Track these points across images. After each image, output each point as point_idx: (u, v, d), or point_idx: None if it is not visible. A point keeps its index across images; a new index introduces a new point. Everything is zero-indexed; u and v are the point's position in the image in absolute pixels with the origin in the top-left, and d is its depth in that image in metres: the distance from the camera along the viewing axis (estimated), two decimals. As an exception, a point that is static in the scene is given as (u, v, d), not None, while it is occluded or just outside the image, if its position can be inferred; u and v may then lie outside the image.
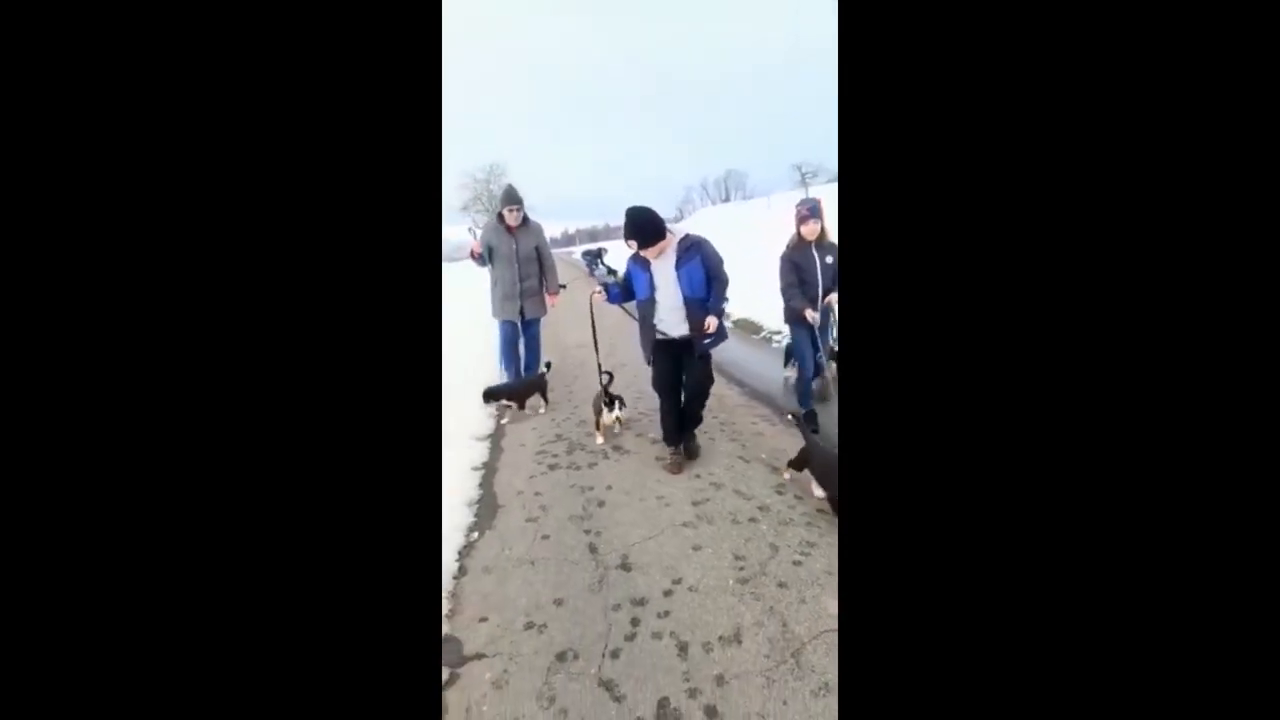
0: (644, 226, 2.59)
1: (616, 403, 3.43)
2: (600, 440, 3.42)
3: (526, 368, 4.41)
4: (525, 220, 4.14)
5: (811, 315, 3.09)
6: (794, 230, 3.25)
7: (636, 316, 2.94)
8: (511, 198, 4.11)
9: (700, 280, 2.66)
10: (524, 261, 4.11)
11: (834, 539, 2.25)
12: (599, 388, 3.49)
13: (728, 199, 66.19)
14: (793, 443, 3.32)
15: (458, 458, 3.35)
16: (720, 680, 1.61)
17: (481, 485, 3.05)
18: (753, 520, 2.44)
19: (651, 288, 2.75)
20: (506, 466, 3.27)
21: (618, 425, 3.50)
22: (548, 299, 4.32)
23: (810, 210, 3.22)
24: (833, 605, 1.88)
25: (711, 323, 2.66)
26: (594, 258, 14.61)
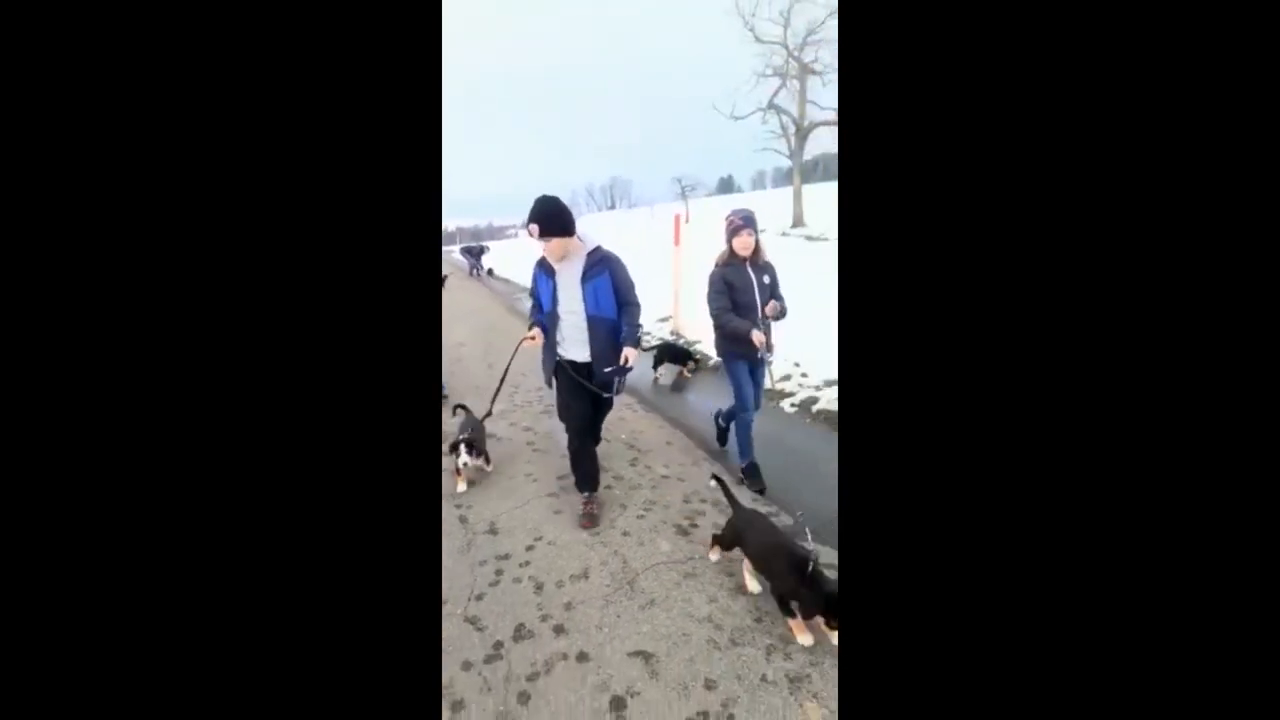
0: (549, 212, 2.28)
1: (463, 448, 2.79)
2: (461, 486, 2.85)
3: None
4: None
5: (758, 338, 2.53)
6: (724, 244, 2.69)
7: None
8: None
9: (608, 300, 2.38)
10: None
11: (674, 498, 2.71)
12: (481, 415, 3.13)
13: (613, 206, 67.70)
14: (649, 423, 3.79)
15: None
16: (569, 606, 1.96)
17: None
18: (608, 487, 2.83)
19: (555, 300, 2.42)
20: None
21: (478, 472, 2.96)
22: None
23: (744, 220, 2.64)
24: (665, 545, 2.32)
25: (630, 354, 2.37)
26: (474, 256, 14.35)
